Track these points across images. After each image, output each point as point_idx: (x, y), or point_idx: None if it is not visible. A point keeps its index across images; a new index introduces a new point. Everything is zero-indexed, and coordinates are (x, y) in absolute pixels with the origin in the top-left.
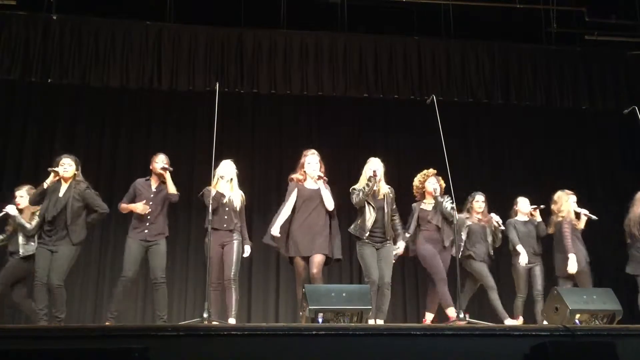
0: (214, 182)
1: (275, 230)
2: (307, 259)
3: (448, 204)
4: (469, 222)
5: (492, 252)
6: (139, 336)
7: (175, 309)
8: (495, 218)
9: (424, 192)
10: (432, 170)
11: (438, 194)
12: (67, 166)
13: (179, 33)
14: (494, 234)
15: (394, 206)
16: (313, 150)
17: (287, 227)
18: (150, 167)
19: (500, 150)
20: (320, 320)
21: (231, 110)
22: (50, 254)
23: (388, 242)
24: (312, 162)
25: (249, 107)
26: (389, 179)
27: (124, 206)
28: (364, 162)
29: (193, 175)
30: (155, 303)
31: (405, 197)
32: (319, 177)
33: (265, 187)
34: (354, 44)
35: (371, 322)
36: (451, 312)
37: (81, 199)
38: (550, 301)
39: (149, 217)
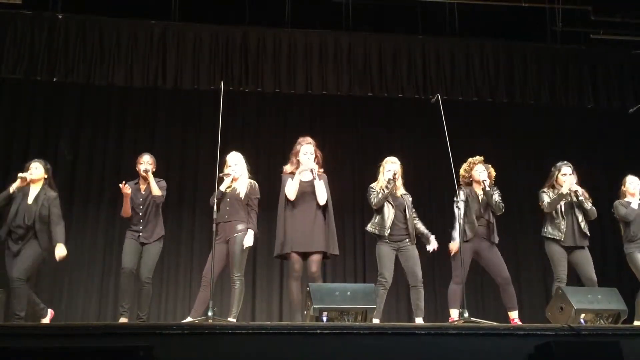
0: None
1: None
2: (302, 254)
3: (497, 196)
4: (547, 199)
5: (585, 230)
6: (144, 334)
7: (180, 307)
8: (574, 187)
9: (471, 181)
10: (478, 158)
11: (487, 184)
12: (33, 170)
13: (183, 32)
14: (582, 206)
15: (413, 209)
16: (309, 139)
17: (282, 223)
18: (137, 169)
19: (504, 150)
20: (324, 319)
21: (235, 108)
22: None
23: (409, 241)
24: (307, 151)
25: (253, 105)
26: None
27: (123, 211)
28: (367, 161)
29: (197, 174)
30: (137, 302)
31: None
32: (312, 170)
33: (269, 186)
34: (358, 42)
35: (376, 320)
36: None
37: (47, 207)
38: (555, 300)
39: (141, 220)
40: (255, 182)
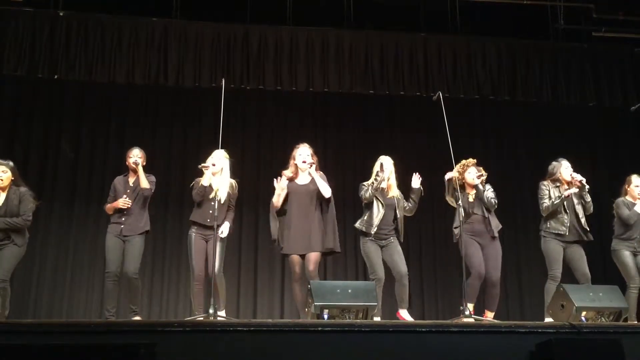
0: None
1: (274, 234)
2: (302, 256)
3: (490, 192)
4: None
5: (586, 225)
6: (145, 332)
7: (181, 305)
8: (578, 177)
9: (464, 183)
10: (471, 160)
11: (479, 182)
12: (1, 173)
13: (185, 29)
14: (582, 200)
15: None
16: (305, 143)
17: (282, 225)
18: (126, 163)
19: (506, 147)
20: (325, 316)
21: (237, 106)
22: None
23: (393, 239)
24: (302, 153)
25: (254, 103)
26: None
27: (109, 207)
28: (369, 159)
29: (198, 172)
30: (128, 296)
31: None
32: (311, 165)
33: (270, 184)
34: (360, 40)
35: (377, 318)
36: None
37: (18, 205)
38: (556, 298)
39: (125, 212)
40: (234, 181)
